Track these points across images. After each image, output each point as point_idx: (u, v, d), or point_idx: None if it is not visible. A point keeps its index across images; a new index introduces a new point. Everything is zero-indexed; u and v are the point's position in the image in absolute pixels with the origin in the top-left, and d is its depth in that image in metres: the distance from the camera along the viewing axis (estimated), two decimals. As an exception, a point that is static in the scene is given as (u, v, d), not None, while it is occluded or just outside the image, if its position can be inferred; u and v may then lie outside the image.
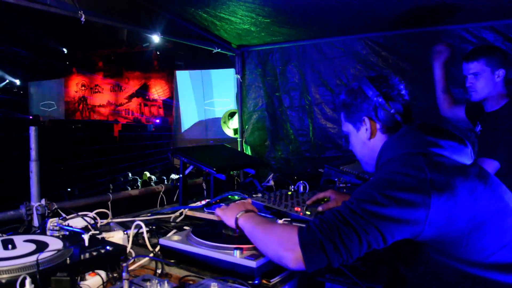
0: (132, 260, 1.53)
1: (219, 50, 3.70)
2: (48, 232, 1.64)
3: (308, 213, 1.94)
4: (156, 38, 3.21)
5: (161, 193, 2.89)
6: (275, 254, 1.31)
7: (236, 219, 1.53)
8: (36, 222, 2.17)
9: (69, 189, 7.16)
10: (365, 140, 1.58)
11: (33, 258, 1.28)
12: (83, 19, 2.54)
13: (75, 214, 1.93)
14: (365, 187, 1.32)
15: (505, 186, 1.40)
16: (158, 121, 14.50)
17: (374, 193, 1.26)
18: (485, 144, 2.33)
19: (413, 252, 1.33)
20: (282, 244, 1.29)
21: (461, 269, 1.25)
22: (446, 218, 1.23)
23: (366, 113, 1.56)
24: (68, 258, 1.34)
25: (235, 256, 1.39)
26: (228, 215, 1.60)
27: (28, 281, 1.16)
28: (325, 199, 2.01)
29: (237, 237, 1.60)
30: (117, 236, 1.71)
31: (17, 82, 17.86)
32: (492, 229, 1.26)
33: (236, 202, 1.69)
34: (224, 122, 4.48)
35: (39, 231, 1.89)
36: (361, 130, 1.59)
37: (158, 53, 14.98)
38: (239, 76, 4.05)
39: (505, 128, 2.21)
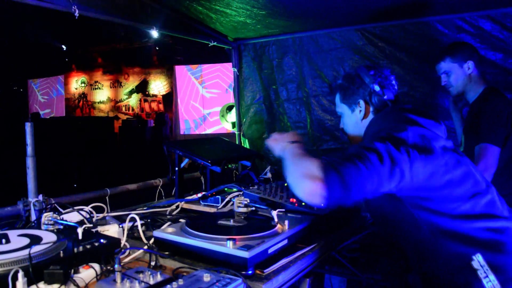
0: (126, 253, 1.54)
1: (215, 43, 3.69)
2: (43, 227, 1.64)
3: (303, 204, 1.94)
4: (153, 33, 3.19)
5: (159, 187, 2.90)
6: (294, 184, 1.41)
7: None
8: (34, 218, 2.18)
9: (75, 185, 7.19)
10: (358, 120, 1.79)
11: (26, 251, 1.29)
12: (77, 14, 2.52)
13: (71, 209, 1.94)
14: (362, 144, 1.47)
15: (469, 159, 1.62)
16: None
17: (372, 147, 1.41)
18: (470, 132, 2.41)
19: (396, 210, 1.53)
20: (303, 174, 1.37)
21: (432, 220, 1.47)
22: (423, 173, 1.43)
23: (362, 97, 1.77)
24: (61, 251, 1.35)
25: (228, 247, 1.39)
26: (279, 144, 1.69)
27: (20, 274, 1.17)
28: None
29: (231, 228, 1.60)
30: (112, 230, 1.71)
31: (17, 79, 17.87)
32: (458, 187, 1.48)
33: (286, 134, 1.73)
34: (222, 116, 4.49)
35: (34, 225, 1.89)
36: (355, 112, 1.80)
37: (157, 48, 14.95)
38: (236, 70, 4.04)
39: (483, 111, 2.31)
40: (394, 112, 1.68)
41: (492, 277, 1.39)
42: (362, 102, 1.77)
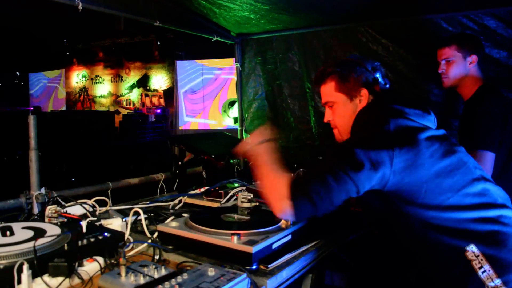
0: (129, 246, 1.53)
1: (218, 38, 3.67)
2: (47, 219, 1.64)
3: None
4: (155, 27, 3.18)
5: (161, 181, 2.89)
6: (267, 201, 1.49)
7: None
8: (36, 211, 2.17)
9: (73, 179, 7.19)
10: (356, 110, 1.68)
11: (30, 244, 1.28)
12: (80, 7, 2.51)
13: (74, 202, 1.94)
14: (341, 147, 1.51)
15: (463, 148, 1.56)
16: (159, 111, 14.48)
17: (350, 153, 1.41)
18: (465, 135, 2.32)
19: (385, 206, 1.49)
20: (273, 194, 1.46)
21: (422, 214, 1.42)
22: (407, 167, 1.40)
23: (363, 85, 1.68)
24: (65, 244, 1.35)
25: (233, 242, 1.39)
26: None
27: (25, 266, 1.17)
28: None
29: (235, 223, 1.59)
30: (115, 223, 1.71)
31: (18, 73, 17.85)
32: (447, 178, 1.43)
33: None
34: (224, 111, 4.48)
35: (38, 218, 1.89)
36: (354, 101, 1.69)
37: (158, 43, 14.92)
38: (238, 65, 4.03)
39: (478, 113, 2.22)
40: (380, 104, 1.63)
41: (487, 266, 1.35)
42: (365, 91, 1.67)
